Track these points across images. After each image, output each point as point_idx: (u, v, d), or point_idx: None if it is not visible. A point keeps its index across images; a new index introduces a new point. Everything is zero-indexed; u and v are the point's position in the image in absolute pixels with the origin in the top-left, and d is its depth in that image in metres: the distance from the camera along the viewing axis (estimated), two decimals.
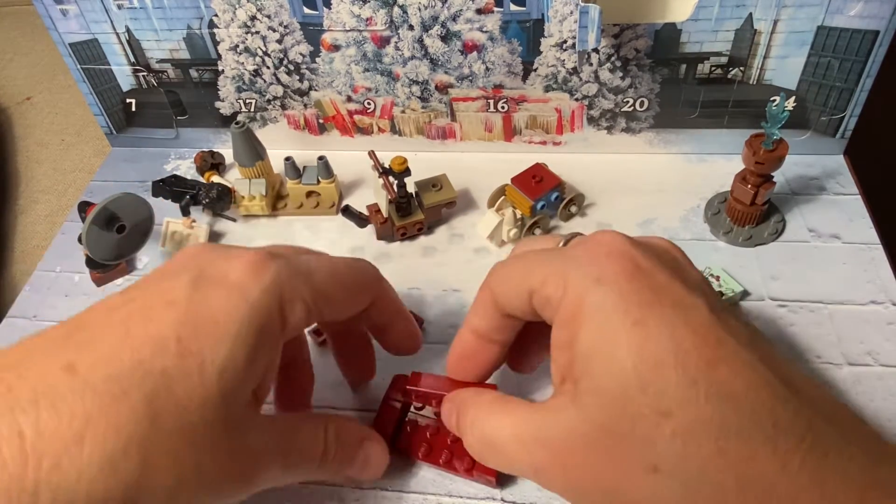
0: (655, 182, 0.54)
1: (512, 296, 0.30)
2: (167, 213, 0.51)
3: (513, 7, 0.48)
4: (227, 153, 0.58)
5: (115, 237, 0.47)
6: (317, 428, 0.32)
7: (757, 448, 0.23)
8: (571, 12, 0.48)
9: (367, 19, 0.50)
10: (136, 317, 0.26)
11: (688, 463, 0.24)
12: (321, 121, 0.57)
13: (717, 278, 0.44)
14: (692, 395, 0.24)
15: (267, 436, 0.29)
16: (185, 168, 0.59)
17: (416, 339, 0.38)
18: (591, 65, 0.51)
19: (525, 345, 0.35)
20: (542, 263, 0.29)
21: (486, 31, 0.50)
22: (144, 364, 0.25)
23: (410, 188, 0.50)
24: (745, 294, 0.45)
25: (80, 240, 0.47)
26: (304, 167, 0.54)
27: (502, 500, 0.36)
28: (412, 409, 0.39)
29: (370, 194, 0.55)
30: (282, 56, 0.53)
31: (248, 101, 0.57)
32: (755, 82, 0.50)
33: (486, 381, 0.35)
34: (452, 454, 0.36)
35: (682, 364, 0.24)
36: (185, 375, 0.25)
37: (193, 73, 0.56)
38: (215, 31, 0.52)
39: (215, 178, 0.56)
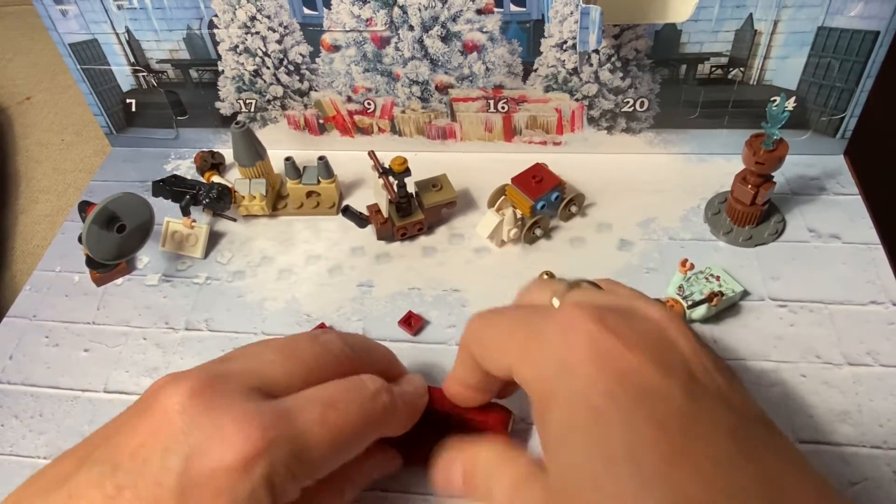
0: (655, 182, 0.54)
1: (492, 367, 0.30)
2: (167, 213, 0.51)
3: (513, 7, 0.48)
4: (227, 153, 0.58)
5: (116, 237, 0.47)
6: (334, 494, 0.33)
7: None
8: (571, 13, 0.48)
9: (367, 20, 0.50)
10: None
11: None
12: (321, 121, 0.57)
13: (718, 278, 0.45)
14: (643, 499, 0.22)
15: None
16: (185, 168, 0.59)
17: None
18: (591, 65, 0.51)
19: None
20: (517, 339, 0.28)
21: (486, 32, 0.50)
22: None
23: (410, 188, 0.50)
24: (745, 294, 0.45)
25: (80, 240, 0.47)
26: (305, 167, 0.54)
27: None
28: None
29: (370, 194, 0.55)
30: (282, 56, 0.53)
31: (248, 101, 0.57)
32: (755, 83, 0.50)
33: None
34: None
35: (637, 461, 0.22)
36: None
37: (193, 73, 0.56)
38: (215, 31, 0.52)
39: (215, 178, 0.56)
